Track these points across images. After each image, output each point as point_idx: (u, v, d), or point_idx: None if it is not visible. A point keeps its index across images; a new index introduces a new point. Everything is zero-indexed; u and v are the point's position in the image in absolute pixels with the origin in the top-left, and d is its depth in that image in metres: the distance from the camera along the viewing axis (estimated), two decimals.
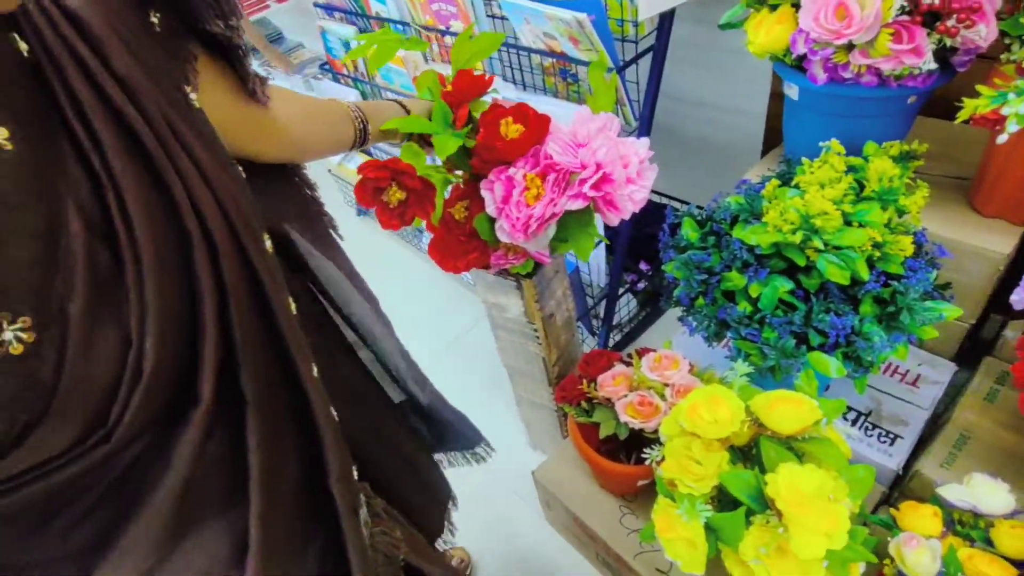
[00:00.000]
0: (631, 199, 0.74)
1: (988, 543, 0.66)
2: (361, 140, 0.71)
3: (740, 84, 1.38)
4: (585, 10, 0.94)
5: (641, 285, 1.44)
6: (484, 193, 0.72)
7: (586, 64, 1.05)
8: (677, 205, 1.64)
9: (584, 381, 0.84)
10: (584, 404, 0.85)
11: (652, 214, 1.52)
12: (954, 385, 0.96)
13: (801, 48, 0.79)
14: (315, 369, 0.45)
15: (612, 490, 0.93)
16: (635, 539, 0.89)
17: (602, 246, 1.23)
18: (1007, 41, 0.71)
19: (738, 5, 0.90)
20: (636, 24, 0.98)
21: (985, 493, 0.68)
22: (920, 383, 0.96)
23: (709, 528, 0.64)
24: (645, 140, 0.74)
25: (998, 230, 0.85)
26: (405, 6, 1.41)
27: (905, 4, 0.68)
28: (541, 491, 1.02)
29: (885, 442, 0.91)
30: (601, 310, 1.34)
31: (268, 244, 0.42)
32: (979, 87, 0.68)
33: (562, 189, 0.71)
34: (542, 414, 1.10)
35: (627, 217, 0.74)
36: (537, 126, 0.71)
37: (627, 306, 1.44)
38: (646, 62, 1.05)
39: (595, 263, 1.27)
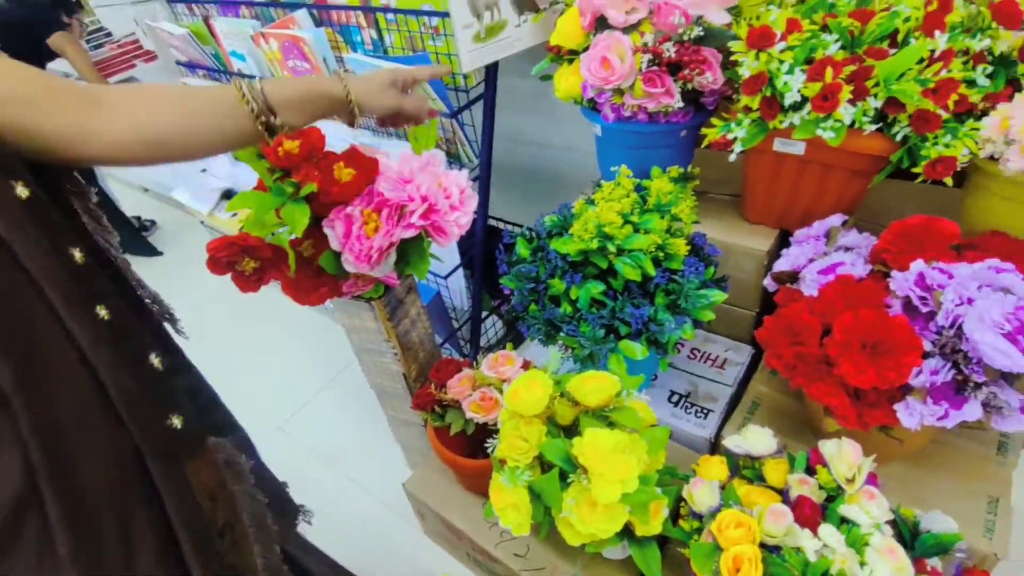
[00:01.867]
0: (456, 224, 0.85)
1: (760, 479, 0.82)
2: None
3: (573, 126, 1.59)
4: (417, 63, 1.07)
5: (506, 308, 1.57)
6: (327, 231, 0.81)
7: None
8: None
9: (435, 387, 0.93)
10: (438, 409, 0.94)
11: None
12: (752, 364, 1.16)
13: (589, 93, 0.96)
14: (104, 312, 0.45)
15: (473, 489, 1.02)
16: (496, 531, 0.98)
17: (460, 271, 1.35)
18: (736, 85, 0.92)
19: (544, 60, 1.08)
20: (465, 76, 1.12)
21: (755, 439, 0.84)
22: (727, 366, 1.15)
23: (534, 493, 0.74)
24: (464, 172, 0.87)
25: (760, 233, 1.06)
26: (264, 63, 1.49)
27: (652, 57, 0.87)
28: (413, 502, 1.08)
29: (700, 417, 1.07)
30: (468, 332, 1.45)
31: (20, 191, 0.42)
32: (713, 119, 0.88)
33: (396, 221, 0.81)
34: (412, 431, 1.17)
35: (455, 240, 0.86)
36: (367, 168, 0.81)
37: (493, 327, 1.57)
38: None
39: (456, 288, 1.38)
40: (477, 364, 0.97)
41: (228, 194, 1.85)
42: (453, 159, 1.29)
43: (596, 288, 0.93)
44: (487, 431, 0.90)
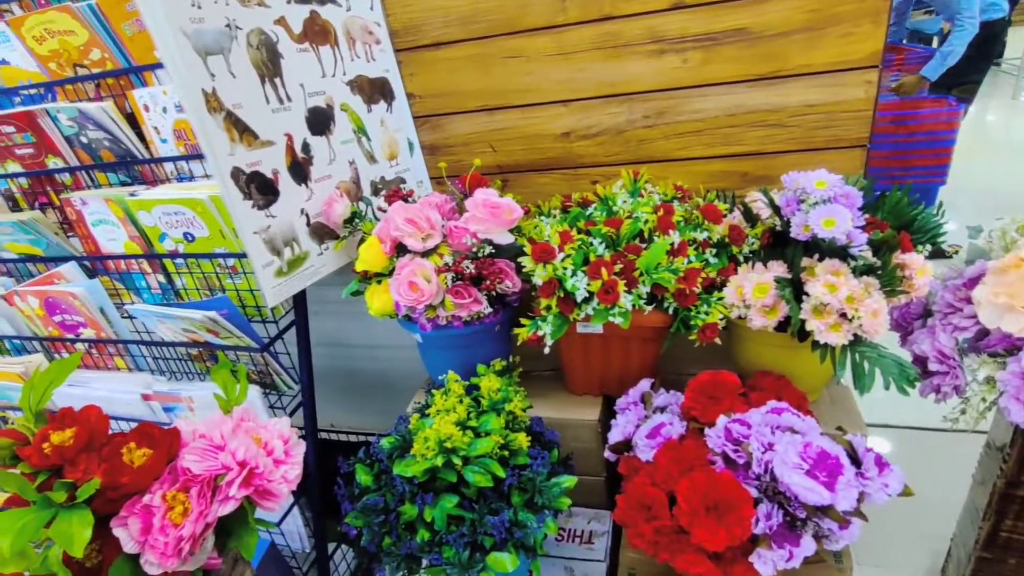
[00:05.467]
0: (285, 480, 0.77)
1: None
2: None
3: (391, 325, 1.61)
4: (216, 307, 1.02)
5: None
6: (117, 532, 0.66)
7: (233, 348, 1.11)
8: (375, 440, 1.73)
9: None
10: None
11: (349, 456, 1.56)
12: (616, 529, 1.17)
13: (402, 311, 1.00)
14: None
15: None
16: None
17: (295, 510, 1.20)
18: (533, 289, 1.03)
19: (352, 282, 1.10)
20: (272, 309, 1.09)
21: None
22: (593, 538, 1.14)
23: None
24: (286, 420, 0.81)
25: (588, 403, 1.14)
26: (21, 322, 1.29)
27: (456, 274, 0.94)
28: None
29: None
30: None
31: None
32: (521, 319, 0.96)
33: (209, 498, 0.70)
34: None
35: (286, 499, 0.77)
36: (165, 444, 0.71)
37: (344, 560, 1.38)
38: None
39: (293, 529, 1.21)
40: None
41: None
42: (270, 389, 1.20)
43: (451, 502, 0.89)
44: None
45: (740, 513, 0.70)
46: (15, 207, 1.27)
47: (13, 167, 1.20)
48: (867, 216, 0.83)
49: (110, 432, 0.74)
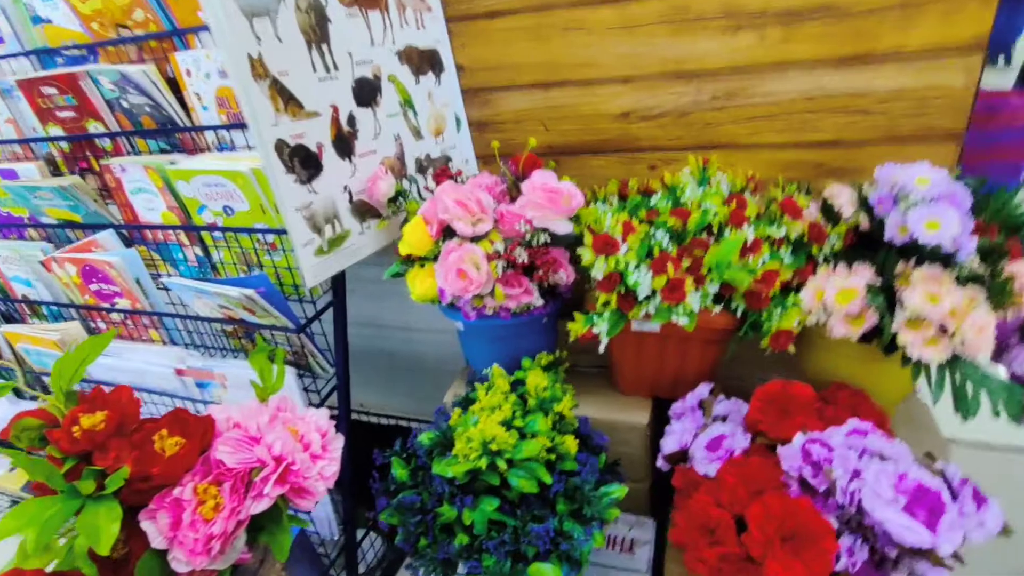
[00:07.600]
0: (322, 476, 0.72)
1: None
2: None
3: (426, 308, 1.56)
4: (253, 285, 0.97)
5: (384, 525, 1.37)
6: (145, 525, 0.63)
7: (268, 328, 1.07)
8: (404, 424, 1.69)
9: None
10: None
11: (380, 441, 1.53)
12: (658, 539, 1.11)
13: (447, 298, 0.94)
14: None
15: None
16: None
17: (326, 498, 1.16)
18: (589, 283, 0.96)
19: (394, 264, 1.05)
20: (310, 289, 1.05)
21: None
22: (635, 547, 1.08)
23: None
24: (324, 411, 0.76)
25: (637, 405, 1.07)
26: (58, 289, 1.28)
27: (507, 262, 0.88)
28: None
29: None
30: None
31: None
32: (575, 314, 0.89)
33: (243, 494, 0.66)
34: None
35: (321, 499, 0.72)
36: (200, 432, 0.67)
37: (372, 547, 1.35)
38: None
39: (324, 516, 1.18)
40: None
41: None
42: (305, 371, 1.16)
43: (491, 505, 0.84)
44: None
45: (821, 546, 0.63)
46: (56, 171, 1.25)
47: (54, 130, 1.17)
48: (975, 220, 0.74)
49: (141, 416, 0.70)
